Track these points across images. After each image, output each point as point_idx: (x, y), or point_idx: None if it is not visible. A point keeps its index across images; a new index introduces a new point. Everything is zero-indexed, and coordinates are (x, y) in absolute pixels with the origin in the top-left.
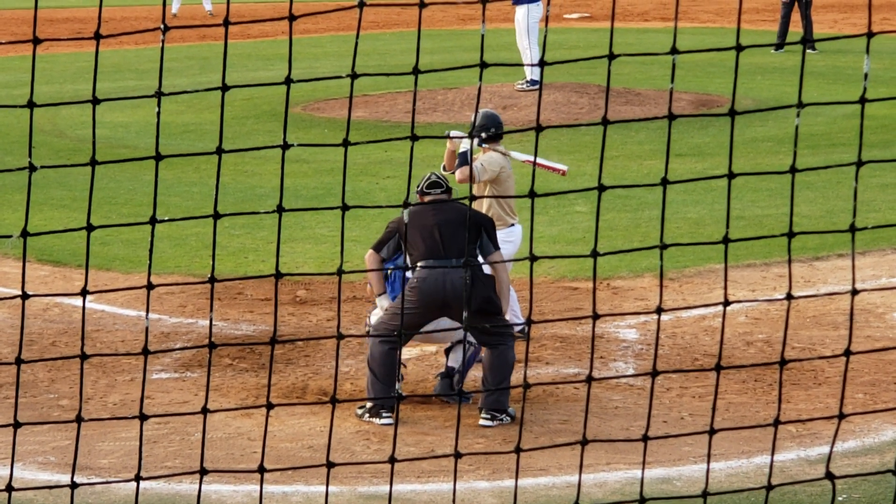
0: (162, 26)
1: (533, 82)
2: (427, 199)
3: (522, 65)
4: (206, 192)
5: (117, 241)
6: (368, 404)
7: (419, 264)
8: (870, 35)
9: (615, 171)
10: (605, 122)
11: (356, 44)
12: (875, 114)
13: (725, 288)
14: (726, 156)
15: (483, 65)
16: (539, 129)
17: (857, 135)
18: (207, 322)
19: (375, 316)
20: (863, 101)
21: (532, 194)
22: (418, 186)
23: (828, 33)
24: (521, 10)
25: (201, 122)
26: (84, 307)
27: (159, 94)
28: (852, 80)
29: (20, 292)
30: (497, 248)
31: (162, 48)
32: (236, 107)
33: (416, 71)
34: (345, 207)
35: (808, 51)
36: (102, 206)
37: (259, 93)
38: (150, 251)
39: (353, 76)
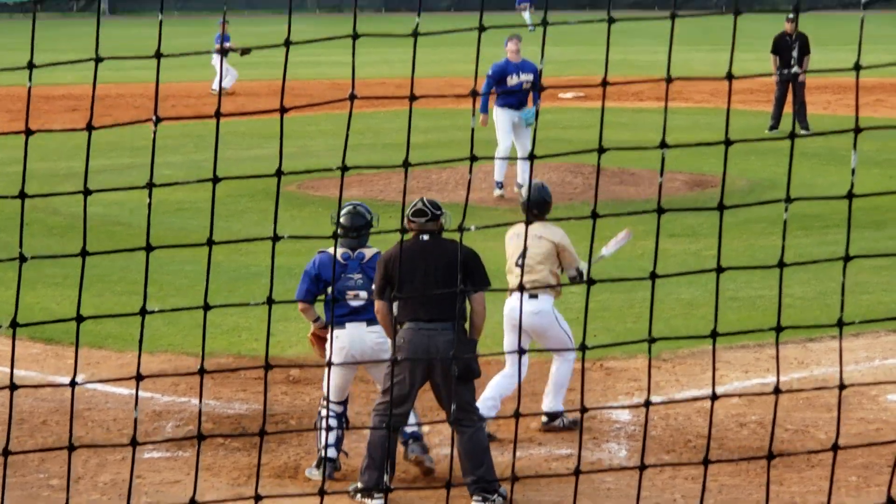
0: (154, 118)
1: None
2: (413, 226)
3: (514, 159)
4: (200, 271)
5: (110, 319)
6: (361, 484)
7: (405, 326)
8: (857, 131)
9: None
10: (595, 215)
11: (347, 136)
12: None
13: (713, 384)
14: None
15: (473, 158)
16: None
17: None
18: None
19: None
20: (850, 196)
21: (522, 284)
22: (407, 212)
23: (821, 114)
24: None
25: (195, 199)
26: (73, 396)
27: (150, 186)
28: (846, 161)
29: (9, 382)
30: (488, 283)
31: (154, 141)
32: (230, 185)
33: (406, 164)
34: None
35: (801, 132)
36: (95, 283)
37: (253, 169)
38: (140, 344)
39: (344, 168)
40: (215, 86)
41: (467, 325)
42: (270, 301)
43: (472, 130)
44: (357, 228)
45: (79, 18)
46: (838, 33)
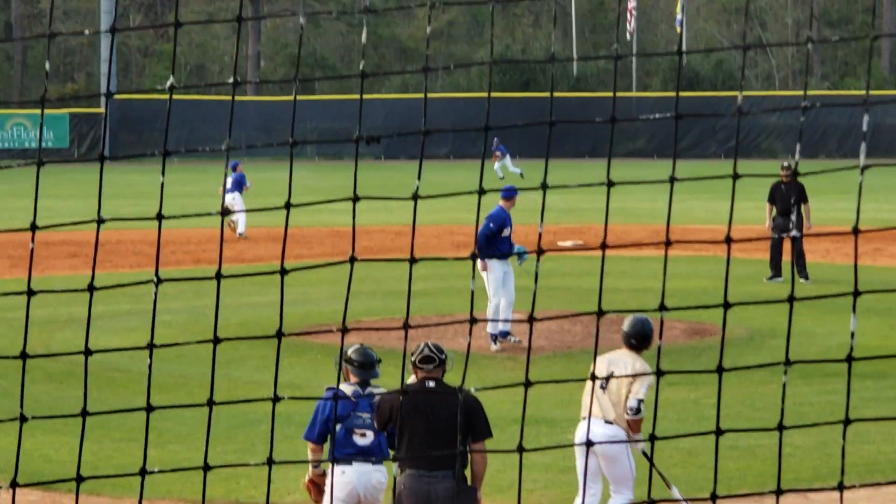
0: (155, 279)
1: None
2: (420, 373)
3: (509, 320)
4: (200, 418)
5: (108, 465)
6: None
7: (406, 472)
8: (856, 294)
9: None
10: (593, 377)
11: (347, 297)
12: (868, 343)
13: None
14: (719, 385)
15: (472, 320)
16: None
17: (851, 363)
18: None
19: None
20: (849, 359)
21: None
22: (413, 356)
23: (820, 263)
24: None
25: (195, 346)
26: None
27: (151, 347)
28: (845, 310)
29: None
30: (489, 431)
31: (154, 301)
32: (230, 331)
33: (405, 326)
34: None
35: (800, 280)
36: (94, 430)
37: (253, 317)
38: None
39: (344, 330)
40: (241, 229)
41: (468, 473)
42: (270, 462)
43: (472, 293)
44: (370, 363)
45: (80, 164)
46: (837, 181)
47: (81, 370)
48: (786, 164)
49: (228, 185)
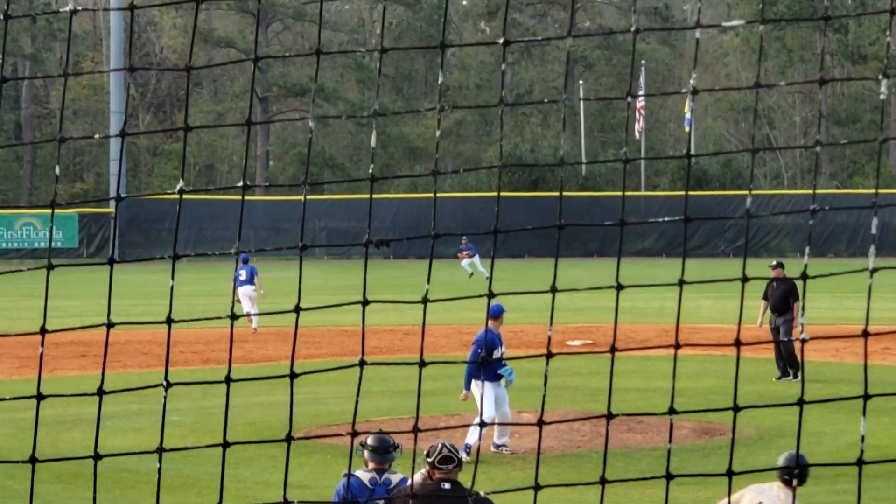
0: (164, 383)
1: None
2: (438, 473)
3: (516, 424)
4: None
5: None
6: None
7: None
8: (866, 398)
9: (616, 499)
10: (604, 481)
11: (357, 401)
12: (878, 443)
13: None
14: (729, 487)
15: (482, 424)
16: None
17: (862, 467)
18: None
19: None
20: (860, 462)
21: None
22: (430, 457)
23: (829, 362)
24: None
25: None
26: None
27: (160, 451)
28: (854, 409)
29: None
30: None
31: (164, 405)
32: (238, 431)
33: (415, 430)
34: None
35: (790, 380)
36: None
37: (261, 417)
38: None
39: (353, 434)
40: (255, 324)
41: None
42: None
43: (480, 414)
44: (385, 449)
45: (88, 264)
46: (846, 280)
47: (90, 471)
48: (774, 262)
49: (243, 277)
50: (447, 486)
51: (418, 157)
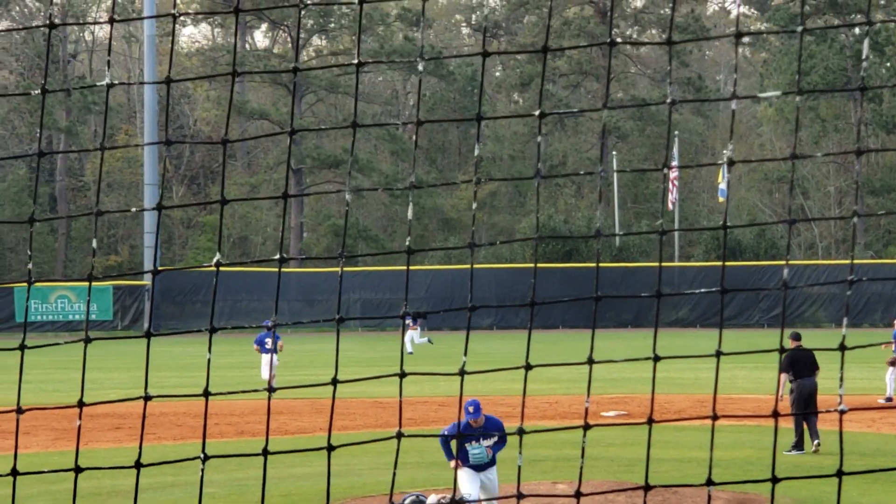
0: (202, 455)
1: None
2: None
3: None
4: None
5: None
6: None
7: None
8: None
9: None
10: None
11: (394, 472)
12: None
13: None
14: None
15: (520, 495)
16: None
17: None
18: None
19: None
20: None
21: None
22: None
23: (866, 433)
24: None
25: None
26: None
27: None
28: (892, 480)
29: None
30: None
31: (201, 479)
32: (274, 503)
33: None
34: None
35: (801, 452)
36: None
37: (296, 489)
38: None
39: None
40: (275, 383)
41: None
42: None
43: (519, 468)
44: None
45: (122, 336)
46: (881, 351)
47: None
48: (793, 333)
49: (269, 346)
50: None
51: (452, 228)
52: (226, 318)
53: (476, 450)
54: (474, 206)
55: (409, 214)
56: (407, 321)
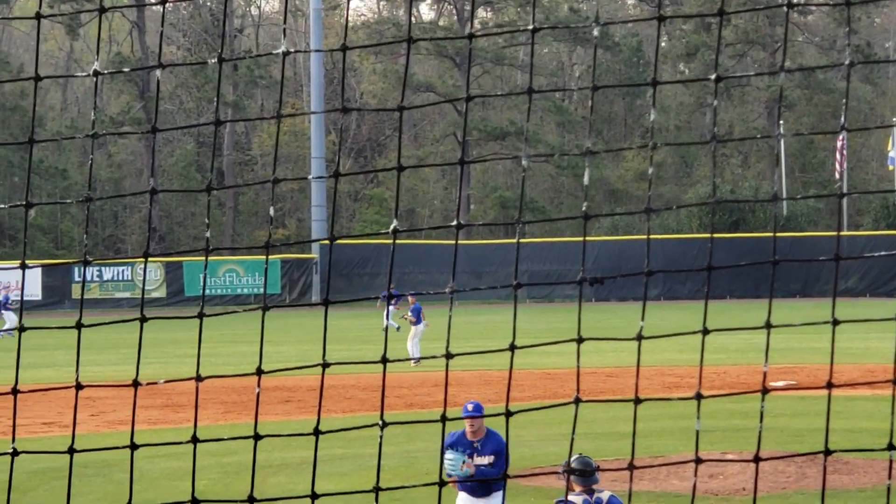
0: (380, 423)
1: None
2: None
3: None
4: None
5: None
6: None
7: None
8: None
9: None
10: None
11: (572, 440)
12: None
13: None
14: None
15: (697, 459)
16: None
17: None
18: None
19: None
20: None
21: None
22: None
23: None
24: None
25: (410, 488)
26: None
27: (376, 490)
28: None
29: None
30: None
31: (380, 447)
32: (444, 474)
33: (631, 466)
34: None
35: None
36: None
37: None
38: None
39: (569, 470)
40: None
41: None
42: None
43: (697, 433)
44: (590, 471)
45: (291, 310)
46: None
47: None
48: None
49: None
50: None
51: (618, 199)
52: (395, 291)
53: (467, 470)
54: (650, 170)
55: (586, 179)
56: (384, 298)
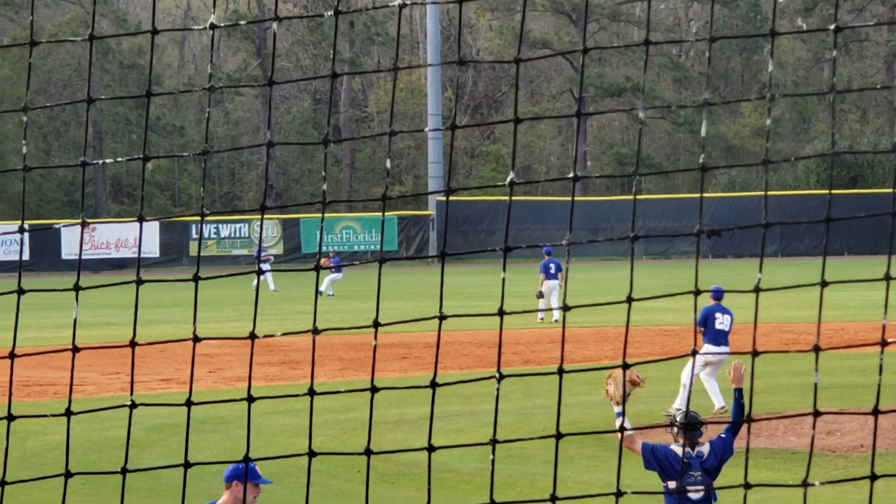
0: (497, 374)
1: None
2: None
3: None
4: None
5: None
6: None
7: None
8: None
9: None
10: None
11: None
12: None
13: None
14: None
15: (816, 412)
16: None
17: None
18: None
19: None
20: None
21: None
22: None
23: None
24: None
25: (524, 445)
26: None
27: (493, 442)
28: None
29: None
30: None
31: (497, 401)
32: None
33: (749, 419)
34: None
35: None
36: None
37: (581, 417)
38: None
39: (687, 426)
40: (556, 318)
41: None
42: None
43: (815, 385)
44: (695, 425)
45: (408, 266)
46: None
47: (412, 471)
48: None
49: (552, 270)
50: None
51: (735, 155)
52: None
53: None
54: (768, 122)
55: (703, 131)
56: (331, 263)
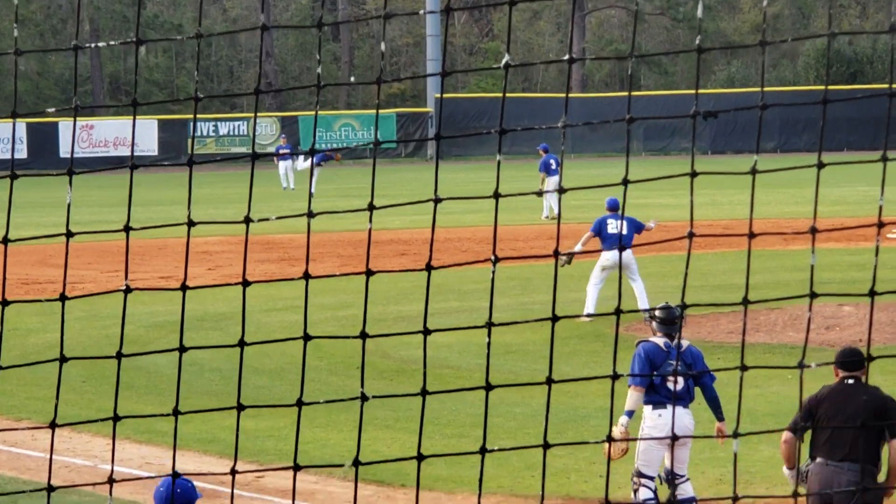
0: (492, 257)
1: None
2: (841, 373)
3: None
4: (529, 413)
5: (440, 460)
6: None
7: (817, 460)
8: None
9: None
10: None
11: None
12: None
13: None
14: None
15: (808, 299)
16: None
17: None
18: None
19: None
20: None
21: None
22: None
23: None
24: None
25: (523, 341)
26: None
27: (490, 323)
28: None
29: None
30: None
31: (491, 293)
32: (560, 326)
33: (745, 302)
34: None
35: None
36: (426, 425)
37: (581, 311)
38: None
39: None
40: (556, 212)
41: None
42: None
43: (812, 269)
44: (671, 320)
45: (406, 163)
46: None
47: (411, 368)
48: None
49: (553, 167)
50: (850, 381)
51: (734, 51)
52: (509, 144)
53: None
54: (765, 2)
55: (699, 11)
56: (281, 151)
